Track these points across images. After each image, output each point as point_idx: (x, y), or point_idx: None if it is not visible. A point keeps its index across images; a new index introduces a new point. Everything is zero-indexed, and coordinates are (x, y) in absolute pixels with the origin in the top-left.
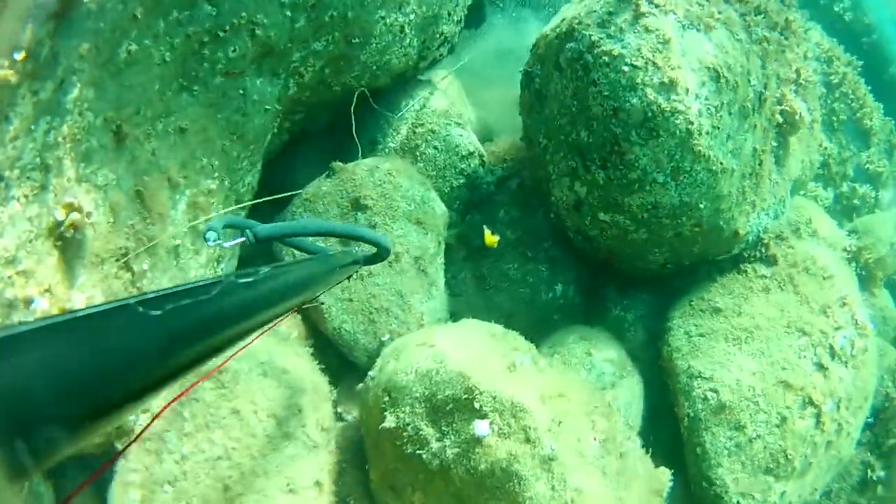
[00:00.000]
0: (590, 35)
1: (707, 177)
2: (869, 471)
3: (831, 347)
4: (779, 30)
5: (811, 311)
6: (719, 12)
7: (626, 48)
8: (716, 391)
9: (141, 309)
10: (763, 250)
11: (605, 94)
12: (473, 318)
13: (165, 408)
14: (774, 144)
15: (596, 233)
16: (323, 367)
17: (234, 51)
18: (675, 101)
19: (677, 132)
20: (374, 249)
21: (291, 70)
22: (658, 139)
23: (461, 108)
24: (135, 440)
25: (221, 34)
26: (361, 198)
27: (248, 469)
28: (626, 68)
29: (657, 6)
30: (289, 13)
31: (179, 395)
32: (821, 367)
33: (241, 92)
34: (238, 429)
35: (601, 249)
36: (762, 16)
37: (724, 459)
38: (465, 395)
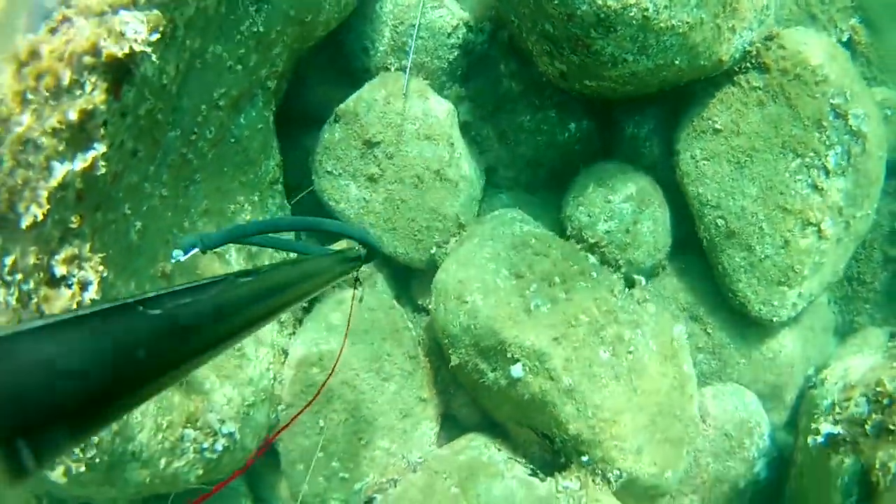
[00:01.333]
0: None
1: (676, 40)
2: None
3: (825, 167)
4: None
5: (804, 127)
6: None
7: None
8: (724, 219)
9: (141, 308)
10: (754, 59)
11: (556, 1)
12: (508, 173)
13: (294, 419)
14: None
15: (588, 91)
16: (391, 277)
17: (210, 132)
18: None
19: (633, 22)
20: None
21: (263, 84)
22: (617, 32)
23: None
24: (265, 446)
25: (194, 138)
26: (371, 137)
27: (369, 416)
28: None
29: None
30: (240, 67)
31: (311, 400)
32: (815, 188)
33: (233, 140)
34: (352, 394)
35: (596, 98)
36: None
37: (742, 276)
38: (499, 346)
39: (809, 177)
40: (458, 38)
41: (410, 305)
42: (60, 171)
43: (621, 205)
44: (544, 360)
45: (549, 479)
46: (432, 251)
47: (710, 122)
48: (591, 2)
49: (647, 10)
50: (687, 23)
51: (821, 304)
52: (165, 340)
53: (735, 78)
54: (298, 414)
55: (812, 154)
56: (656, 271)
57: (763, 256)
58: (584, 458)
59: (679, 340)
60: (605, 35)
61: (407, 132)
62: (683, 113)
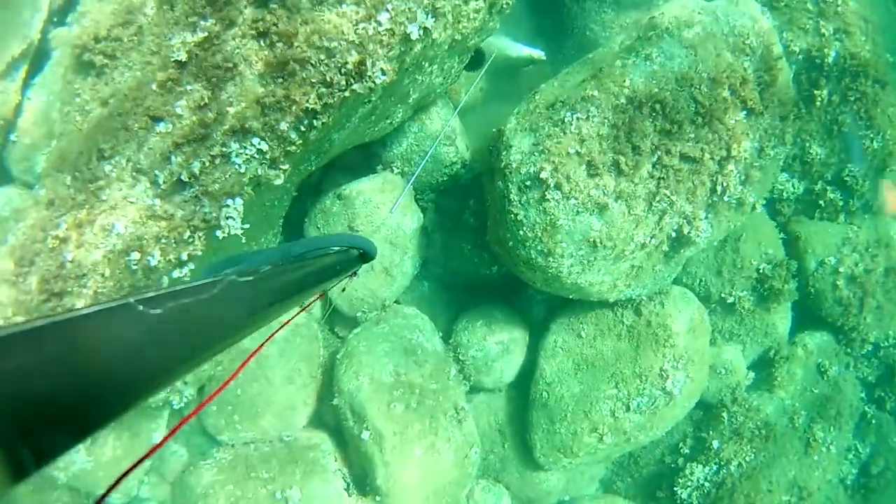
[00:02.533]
0: (510, 188)
1: (576, 288)
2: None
3: (627, 406)
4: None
5: (634, 372)
6: (630, 164)
7: (527, 219)
8: (547, 393)
9: (141, 308)
10: (635, 304)
11: (510, 233)
12: (437, 270)
13: (203, 405)
14: (666, 250)
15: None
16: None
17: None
18: (550, 262)
19: (549, 274)
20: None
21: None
22: (537, 272)
23: (452, 123)
24: (174, 433)
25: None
26: (354, 224)
27: (266, 394)
28: (521, 232)
29: (561, 192)
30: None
31: (215, 393)
32: (613, 414)
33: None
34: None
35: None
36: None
37: (539, 432)
38: (363, 416)
39: (614, 406)
40: (453, 169)
41: (329, 328)
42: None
43: (492, 345)
44: (381, 440)
45: (354, 496)
46: (358, 314)
47: (580, 326)
48: (529, 254)
49: (561, 272)
50: (589, 282)
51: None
52: (166, 340)
53: (615, 307)
54: (227, 381)
55: (625, 393)
56: (497, 390)
57: (558, 431)
58: (378, 499)
59: (470, 458)
60: (533, 271)
61: (380, 233)
62: (569, 307)
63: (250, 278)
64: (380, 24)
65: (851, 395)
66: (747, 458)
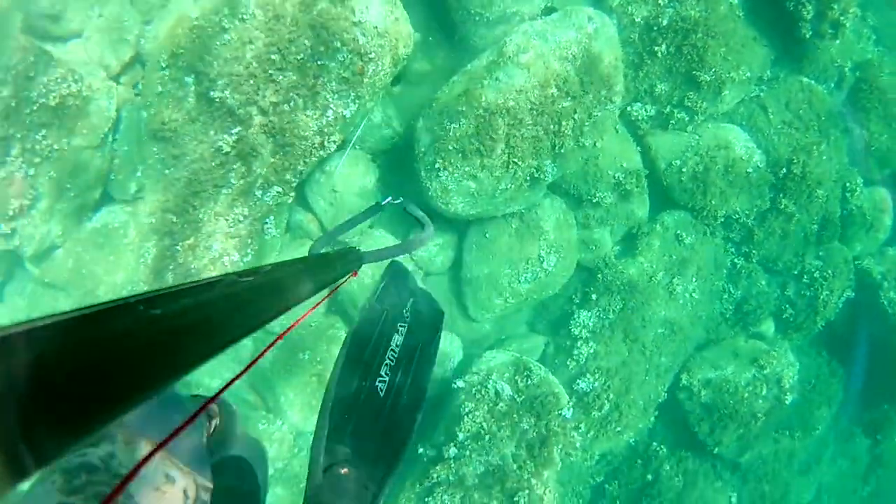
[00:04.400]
0: (420, 168)
1: (471, 215)
2: None
3: (519, 280)
4: None
5: (520, 256)
6: (487, 148)
7: (431, 186)
8: (469, 275)
9: (142, 308)
10: (519, 213)
11: (423, 191)
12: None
13: (216, 396)
14: (527, 186)
15: None
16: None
17: None
18: (450, 207)
19: (450, 213)
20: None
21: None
22: (446, 212)
23: (390, 113)
24: (184, 426)
25: None
26: (334, 186)
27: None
28: (429, 193)
29: (448, 171)
30: None
31: (227, 385)
32: (510, 285)
33: None
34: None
35: None
36: None
37: (472, 301)
38: None
39: (510, 279)
40: (392, 142)
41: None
42: None
43: (433, 247)
44: None
45: None
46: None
47: (484, 230)
48: (435, 203)
49: (457, 210)
50: (478, 212)
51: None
52: (166, 340)
53: (507, 217)
54: (239, 375)
55: (517, 271)
56: (442, 274)
57: (478, 297)
58: None
59: None
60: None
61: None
62: (479, 221)
63: (250, 278)
64: (329, 118)
65: (711, 253)
66: (618, 306)
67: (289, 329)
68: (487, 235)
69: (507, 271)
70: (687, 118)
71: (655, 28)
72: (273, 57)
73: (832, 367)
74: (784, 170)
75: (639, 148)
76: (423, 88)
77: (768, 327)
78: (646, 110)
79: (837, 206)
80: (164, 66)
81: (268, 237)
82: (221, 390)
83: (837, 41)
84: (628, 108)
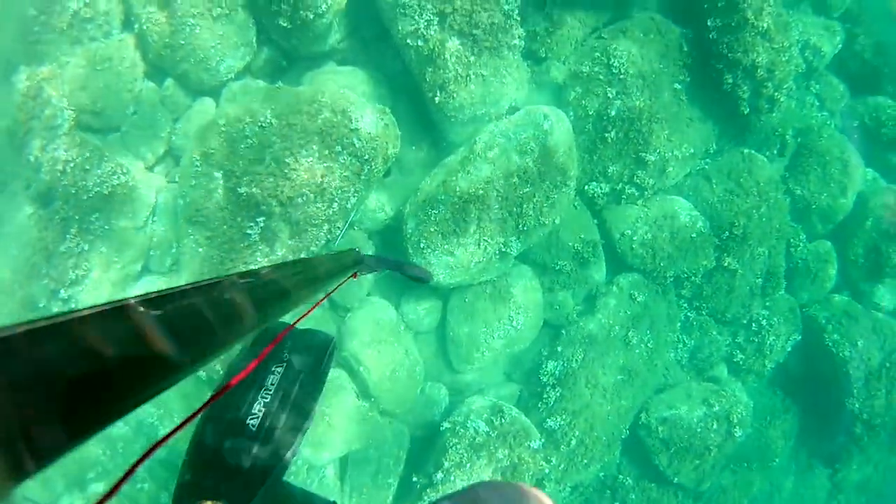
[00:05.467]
0: (408, 246)
1: (451, 285)
2: None
3: (493, 337)
4: None
5: (494, 318)
6: (461, 229)
7: (418, 259)
8: (452, 334)
9: (142, 309)
10: (492, 281)
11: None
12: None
13: (214, 399)
14: (497, 258)
15: None
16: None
17: None
18: (434, 278)
19: (434, 281)
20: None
21: None
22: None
23: (382, 200)
24: (181, 427)
25: None
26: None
27: None
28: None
29: (430, 249)
30: None
31: (226, 388)
32: (486, 341)
33: None
34: None
35: None
36: None
37: (455, 356)
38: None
39: (486, 337)
40: (385, 223)
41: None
42: None
43: (421, 310)
44: (367, 370)
45: (361, 399)
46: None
47: (464, 296)
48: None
49: (439, 280)
50: (457, 281)
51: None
52: (166, 341)
53: (482, 285)
54: (240, 377)
55: (491, 330)
56: (428, 332)
57: (459, 352)
58: (371, 399)
59: (418, 372)
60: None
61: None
62: (459, 287)
63: (250, 280)
64: (334, 209)
65: (664, 309)
66: (580, 356)
67: (288, 329)
68: (466, 300)
69: (484, 330)
70: (637, 193)
71: (605, 118)
72: (287, 160)
73: (786, 404)
74: (727, 232)
75: (596, 221)
76: (410, 176)
77: (721, 371)
78: (601, 188)
79: (783, 260)
80: (196, 163)
81: None
82: (221, 392)
83: (774, 114)
84: (585, 187)
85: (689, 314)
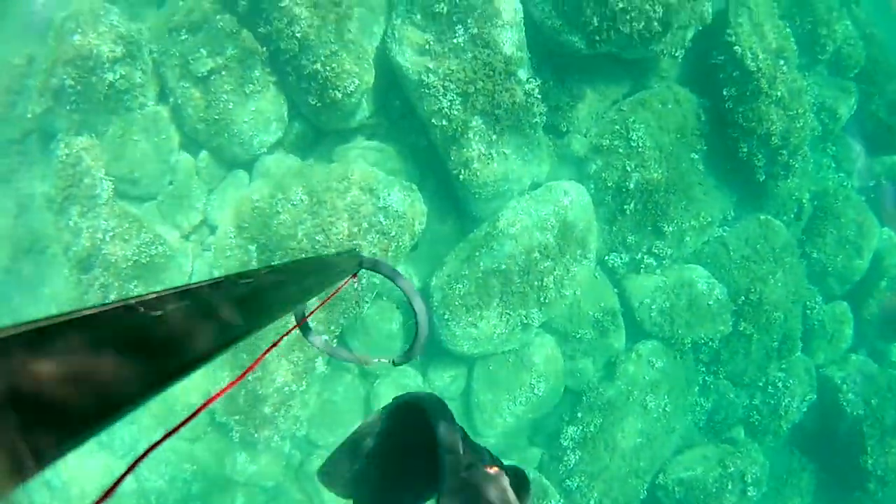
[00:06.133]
0: (435, 317)
1: (475, 354)
2: None
3: (516, 403)
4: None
5: (517, 384)
6: (484, 302)
7: (444, 332)
8: (476, 400)
9: (142, 309)
10: (515, 349)
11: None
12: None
13: (212, 400)
14: (520, 329)
15: None
16: None
17: None
18: (458, 347)
19: (458, 352)
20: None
21: None
22: (454, 351)
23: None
24: (183, 424)
25: None
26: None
27: None
28: (443, 338)
29: (455, 321)
30: None
31: (226, 388)
32: (508, 408)
33: None
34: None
35: None
36: None
37: (480, 420)
38: None
39: (509, 403)
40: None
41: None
42: None
43: (447, 378)
44: None
45: None
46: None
47: (487, 364)
48: (446, 343)
49: (463, 350)
50: (480, 351)
51: (511, 428)
52: (166, 342)
53: (505, 354)
54: (239, 378)
55: (514, 396)
56: (454, 398)
57: (483, 417)
58: None
59: None
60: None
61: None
62: (483, 357)
63: (250, 280)
64: (363, 283)
65: (681, 374)
66: (599, 421)
67: (288, 332)
68: (490, 368)
69: (507, 397)
70: (655, 263)
71: (625, 190)
72: (318, 237)
73: (802, 463)
74: (743, 298)
75: (616, 290)
76: (437, 248)
77: (738, 433)
78: (620, 258)
79: (799, 322)
80: (231, 236)
81: (317, 371)
82: (220, 393)
83: (790, 180)
84: (606, 257)
85: (706, 378)
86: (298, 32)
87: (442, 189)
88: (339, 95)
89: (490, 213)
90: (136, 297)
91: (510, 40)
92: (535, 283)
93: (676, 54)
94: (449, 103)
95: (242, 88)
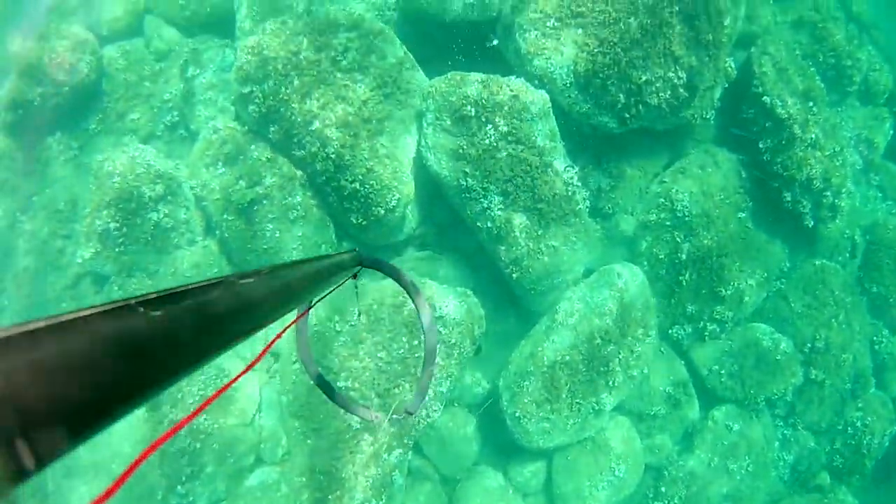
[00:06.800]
0: (506, 417)
1: (550, 448)
2: None
3: (598, 488)
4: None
5: (596, 470)
6: (554, 395)
7: (515, 427)
8: (558, 489)
9: (142, 310)
10: (591, 436)
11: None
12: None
13: (213, 398)
14: (592, 416)
15: None
16: None
17: None
18: (532, 442)
19: (534, 447)
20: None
21: None
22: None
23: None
24: (183, 424)
25: None
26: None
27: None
28: (515, 433)
29: (526, 417)
30: None
31: (224, 387)
32: (590, 493)
33: None
34: None
35: None
36: None
37: None
38: None
39: (591, 488)
40: (484, 395)
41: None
42: None
43: (528, 472)
44: None
45: None
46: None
47: (566, 454)
48: (517, 436)
49: (539, 444)
50: (554, 443)
51: None
52: (166, 342)
53: (581, 442)
54: (238, 377)
55: (594, 481)
56: (536, 493)
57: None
58: None
59: None
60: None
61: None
62: (561, 447)
63: (250, 280)
64: (430, 395)
65: (759, 432)
66: (683, 492)
67: (287, 326)
68: (569, 458)
69: (588, 484)
70: (718, 328)
71: (678, 261)
72: (380, 354)
73: (891, 496)
74: (809, 346)
75: (682, 361)
76: (501, 348)
77: (824, 479)
78: (683, 330)
79: (868, 359)
80: (293, 361)
81: (395, 486)
82: (224, 388)
83: (838, 220)
84: (669, 331)
85: (785, 432)
86: (332, 153)
87: (497, 288)
88: (382, 212)
89: (547, 305)
90: (137, 296)
91: (541, 132)
92: (601, 368)
93: (707, 116)
94: (491, 204)
95: (286, 215)
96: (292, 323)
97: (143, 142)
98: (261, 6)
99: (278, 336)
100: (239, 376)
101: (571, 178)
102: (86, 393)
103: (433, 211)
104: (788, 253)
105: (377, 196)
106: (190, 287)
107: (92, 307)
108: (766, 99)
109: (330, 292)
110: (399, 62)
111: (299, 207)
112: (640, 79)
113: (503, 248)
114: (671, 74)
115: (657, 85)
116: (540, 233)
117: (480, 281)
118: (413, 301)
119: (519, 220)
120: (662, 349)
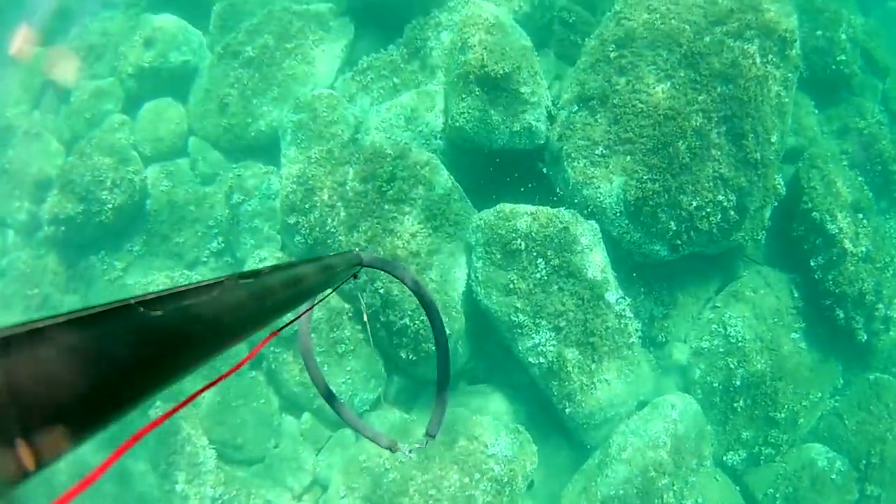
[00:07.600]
0: None
1: None
2: None
3: None
4: None
5: None
6: None
7: None
8: None
9: (142, 309)
10: None
11: None
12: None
13: (195, 396)
14: None
15: None
16: None
17: None
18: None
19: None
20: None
21: None
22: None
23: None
24: (159, 422)
25: None
26: None
27: None
28: None
29: None
30: None
31: (210, 385)
32: None
33: None
34: None
35: None
36: None
37: None
38: None
39: None
40: None
41: None
42: None
43: None
44: None
45: None
46: None
47: None
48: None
49: None
50: None
51: None
52: (166, 341)
53: None
54: (226, 374)
55: None
56: None
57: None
58: None
59: None
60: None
61: None
62: None
63: (250, 280)
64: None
65: None
66: None
67: (285, 325)
68: None
69: None
70: (774, 452)
71: (732, 388)
72: (431, 492)
73: None
74: (864, 462)
75: (738, 487)
76: (552, 481)
77: None
78: (738, 455)
79: None
80: (342, 495)
81: None
82: (219, 378)
83: (892, 332)
84: (724, 458)
85: None
86: (381, 288)
87: (550, 422)
88: (433, 348)
89: (601, 439)
90: (137, 296)
91: (592, 264)
92: (656, 501)
93: (759, 237)
94: (542, 339)
95: (335, 349)
96: (292, 322)
97: (188, 268)
98: (306, 133)
99: (278, 332)
100: (243, 362)
101: (623, 310)
102: (87, 393)
103: (483, 345)
104: (842, 370)
105: (427, 332)
106: (190, 287)
107: (93, 307)
108: (815, 215)
109: (331, 292)
110: (447, 193)
111: (348, 342)
112: (691, 205)
113: (555, 383)
114: (721, 197)
115: (707, 210)
116: (593, 367)
117: (532, 414)
118: (420, 301)
119: (571, 354)
120: (717, 477)
